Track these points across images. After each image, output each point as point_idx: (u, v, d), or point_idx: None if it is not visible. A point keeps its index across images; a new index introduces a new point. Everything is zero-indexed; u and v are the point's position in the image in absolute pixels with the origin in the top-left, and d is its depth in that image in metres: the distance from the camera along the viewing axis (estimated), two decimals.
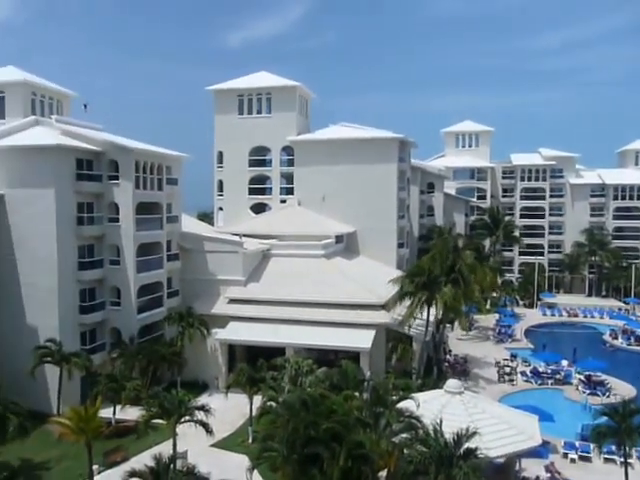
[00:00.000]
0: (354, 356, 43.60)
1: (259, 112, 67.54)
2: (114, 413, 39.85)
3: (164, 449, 30.68)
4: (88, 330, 45.31)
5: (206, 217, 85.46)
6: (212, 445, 35.96)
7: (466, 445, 23.87)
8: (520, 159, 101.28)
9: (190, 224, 58.59)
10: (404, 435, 25.82)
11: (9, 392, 35.56)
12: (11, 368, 40.88)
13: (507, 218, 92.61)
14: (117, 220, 45.77)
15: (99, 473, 33.26)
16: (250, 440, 37.36)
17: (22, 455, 35.49)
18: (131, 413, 38.53)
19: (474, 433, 24.44)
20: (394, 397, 28.66)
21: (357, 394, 30.24)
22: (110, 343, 46.50)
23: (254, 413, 36.32)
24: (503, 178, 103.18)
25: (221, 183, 69.01)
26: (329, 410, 25.90)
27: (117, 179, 45.61)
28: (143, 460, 29.17)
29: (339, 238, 61.48)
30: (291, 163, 66.72)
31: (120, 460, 35.12)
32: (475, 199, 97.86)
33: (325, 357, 45.16)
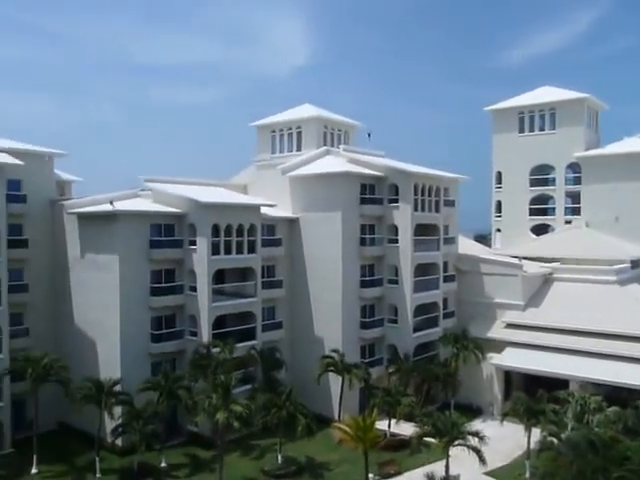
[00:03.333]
0: None
1: (541, 129, 64.62)
2: (389, 426, 41.16)
3: (436, 469, 30.61)
4: (367, 344, 47.84)
5: (483, 239, 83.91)
6: (485, 473, 34.78)
7: None
8: None
9: (466, 245, 58.19)
10: None
11: (299, 395, 39.01)
12: (301, 374, 45.34)
13: None
14: (396, 241, 47.65)
15: None
16: (527, 475, 35.27)
17: (307, 453, 38.86)
18: (404, 428, 39.43)
19: None
20: None
21: None
22: (387, 359, 48.25)
23: (532, 446, 34.24)
24: None
25: (499, 204, 67.44)
26: (622, 456, 23.22)
27: (397, 202, 47.61)
28: (415, 477, 29.57)
29: (635, 263, 55.14)
30: (577, 181, 62.35)
31: (393, 473, 36.07)
32: None
33: (616, 395, 40.62)
